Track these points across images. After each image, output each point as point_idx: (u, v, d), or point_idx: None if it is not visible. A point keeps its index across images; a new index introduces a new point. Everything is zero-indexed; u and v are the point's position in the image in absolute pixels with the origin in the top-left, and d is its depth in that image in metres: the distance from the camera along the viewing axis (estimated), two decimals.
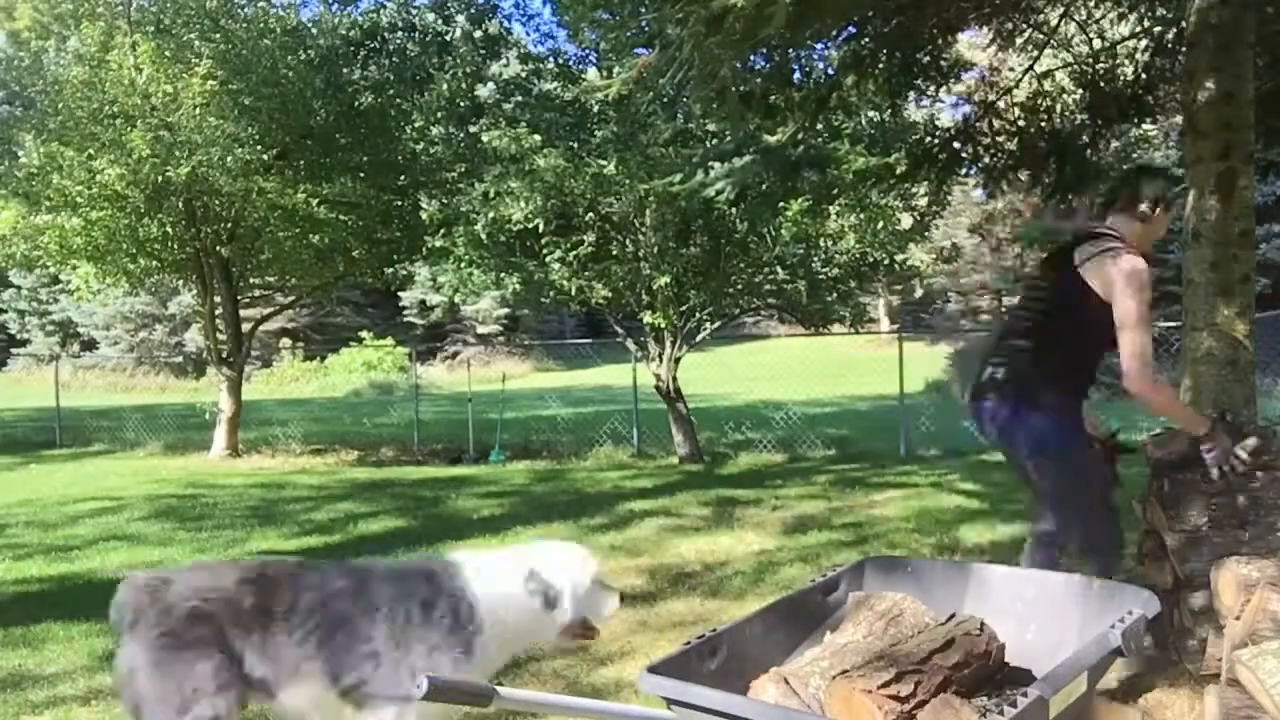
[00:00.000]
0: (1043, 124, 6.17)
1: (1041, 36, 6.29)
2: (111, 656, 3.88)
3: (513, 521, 6.65)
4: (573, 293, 9.66)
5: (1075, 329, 3.08)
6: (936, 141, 6.36)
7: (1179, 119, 5.36)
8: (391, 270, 12.50)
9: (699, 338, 10.48)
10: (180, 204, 10.38)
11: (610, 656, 3.76)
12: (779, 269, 9.78)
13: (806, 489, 7.87)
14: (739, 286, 10.25)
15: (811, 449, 10.55)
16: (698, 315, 10.01)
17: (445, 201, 9.95)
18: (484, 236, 9.28)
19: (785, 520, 6.48)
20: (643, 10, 5.05)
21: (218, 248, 11.02)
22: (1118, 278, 2.94)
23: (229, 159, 9.52)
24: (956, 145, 6.26)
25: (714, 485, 8.21)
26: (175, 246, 10.97)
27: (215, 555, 5.86)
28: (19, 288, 33.92)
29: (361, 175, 10.54)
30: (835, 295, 10.27)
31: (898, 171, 6.44)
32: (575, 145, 9.25)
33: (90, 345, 33.89)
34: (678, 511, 6.93)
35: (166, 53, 9.79)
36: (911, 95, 6.23)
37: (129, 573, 2.29)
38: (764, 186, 6.17)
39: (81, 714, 3.31)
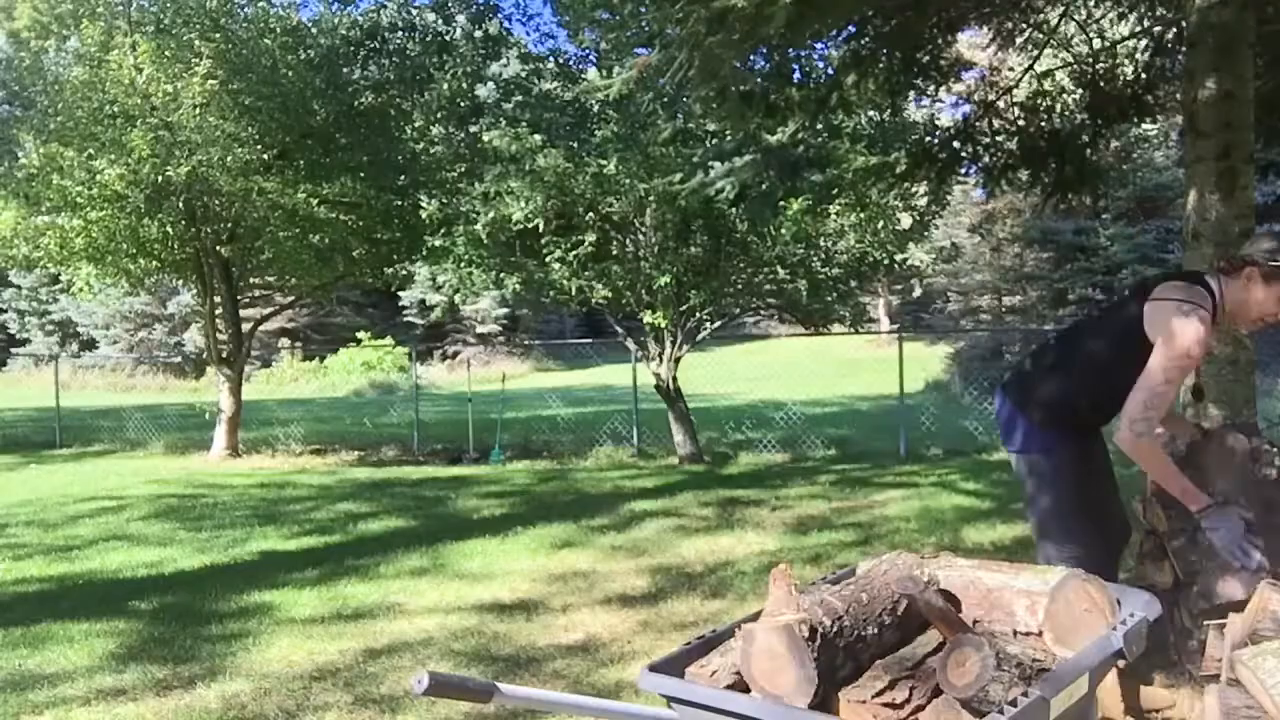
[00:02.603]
0: (1043, 124, 6.18)
1: (1041, 36, 6.30)
2: (112, 656, 3.88)
3: (514, 522, 6.65)
4: (573, 293, 9.66)
5: (1115, 357, 2.74)
6: (936, 141, 6.37)
7: (1179, 119, 5.36)
8: (391, 270, 12.50)
9: (699, 337, 10.48)
10: (180, 204, 10.37)
11: (613, 658, 3.76)
12: (779, 269, 9.78)
13: (809, 489, 7.86)
14: (739, 286, 10.25)
15: (813, 449, 10.54)
16: (698, 315, 10.01)
17: (445, 201, 9.96)
18: (484, 236, 9.28)
19: (788, 520, 6.49)
20: (643, 10, 5.05)
21: (218, 248, 11.02)
22: (1169, 328, 2.59)
23: (229, 159, 9.52)
24: (956, 145, 6.26)
25: (716, 485, 8.21)
26: (175, 246, 10.96)
27: (216, 556, 5.86)
28: (19, 287, 33.91)
29: (361, 175, 10.54)
30: (835, 295, 10.27)
31: (898, 170, 6.45)
32: (575, 145, 9.25)
33: (90, 345, 33.88)
34: (679, 512, 6.93)
35: (166, 53, 9.78)
36: (911, 95, 6.24)
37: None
38: (764, 186, 6.18)
39: (81, 714, 3.31)
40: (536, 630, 4.15)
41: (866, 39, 5.37)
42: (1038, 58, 6.45)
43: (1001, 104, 6.35)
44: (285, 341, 31.30)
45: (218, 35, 9.95)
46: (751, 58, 5.17)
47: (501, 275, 9.89)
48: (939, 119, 8.05)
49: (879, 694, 1.72)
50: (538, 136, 9.03)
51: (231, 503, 7.90)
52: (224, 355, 11.60)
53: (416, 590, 4.86)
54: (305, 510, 7.50)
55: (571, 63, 10.54)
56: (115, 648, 4.02)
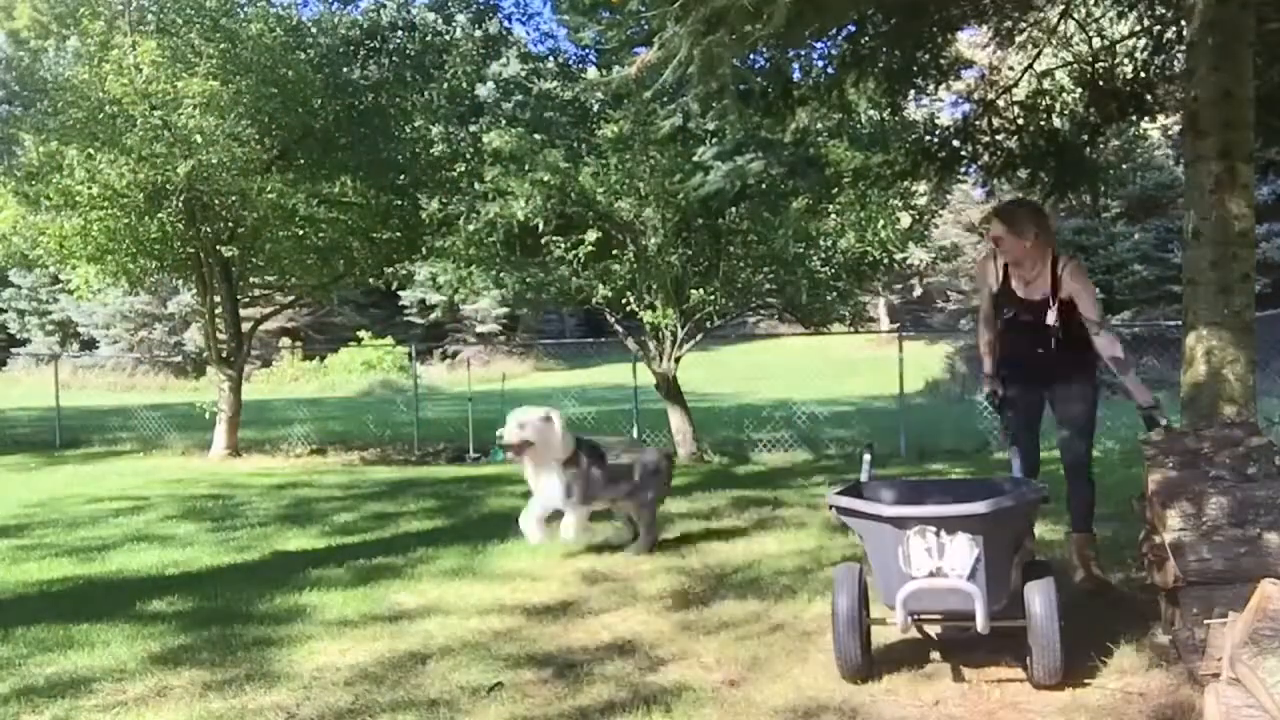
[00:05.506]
0: (1042, 123, 6.18)
1: (1041, 35, 6.30)
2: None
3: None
4: (573, 292, 9.65)
5: None
6: (936, 140, 6.37)
7: (1178, 117, 5.36)
8: (391, 270, 12.50)
9: (699, 337, 10.47)
10: (180, 203, 10.36)
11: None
12: (779, 268, 9.77)
13: (826, 488, 7.72)
14: (739, 286, 10.24)
15: (826, 448, 10.46)
16: (698, 315, 9.99)
17: (445, 200, 9.95)
18: (484, 236, 9.28)
19: (810, 519, 6.38)
20: (642, 7, 5.04)
21: (218, 247, 10.99)
22: None
23: (229, 159, 9.51)
24: (956, 143, 6.27)
25: (728, 484, 8.12)
26: (175, 246, 10.95)
27: (245, 556, 5.80)
28: (19, 287, 33.91)
29: (361, 175, 10.53)
30: (835, 294, 10.25)
31: (897, 169, 6.45)
32: (576, 144, 9.23)
33: (90, 345, 33.89)
34: (703, 511, 6.82)
35: (167, 53, 9.77)
36: (911, 93, 6.24)
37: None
38: (764, 185, 6.19)
39: (84, 716, 3.30)
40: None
41: (866, 38, 5.37)
42: (1037, 56, 6.44)
43: (1001, 103, 6.35)
44: (285, 341, 31.30)
45: (218, 35, 9.94)
46: (751, 56, 5.17)
47: (501, 275, 9.89)
48: (939, 118, 8.04)
49: None
50: (538, 136, 9.03)
51: (252, 503, 7.82)
52: (224, 355, 11.59)
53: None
54: (329, 511, 7.40)
55: (571, 62, 10.54)
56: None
